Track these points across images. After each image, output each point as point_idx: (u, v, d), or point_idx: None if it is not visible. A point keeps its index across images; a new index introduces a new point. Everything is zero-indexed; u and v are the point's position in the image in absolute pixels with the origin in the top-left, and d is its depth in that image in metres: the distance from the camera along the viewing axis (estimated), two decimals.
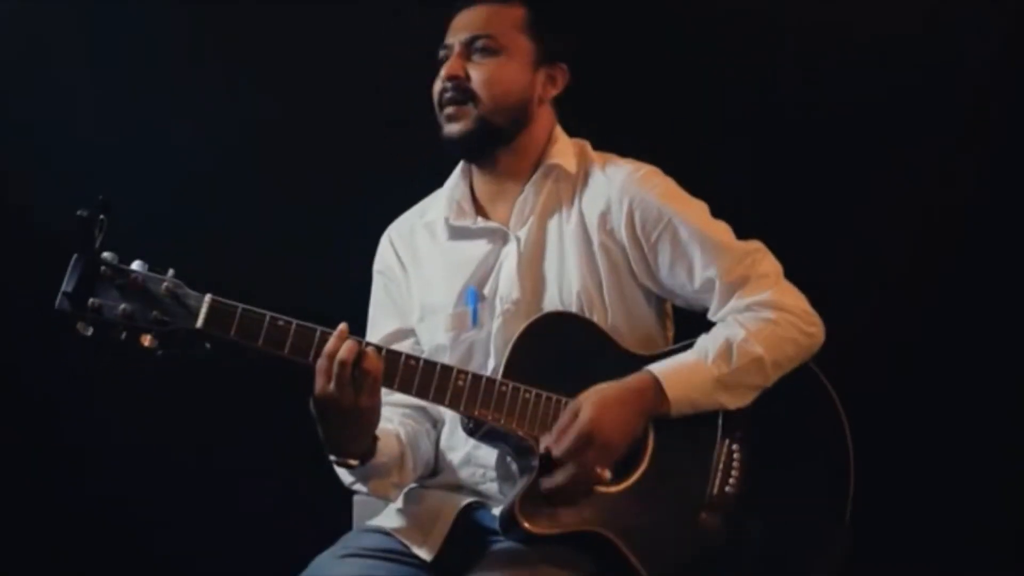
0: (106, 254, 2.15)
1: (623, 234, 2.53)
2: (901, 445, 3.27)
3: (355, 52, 3.40)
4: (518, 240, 2.58)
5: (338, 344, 2.21)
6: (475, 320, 2.56)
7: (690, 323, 2.61)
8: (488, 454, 2.52)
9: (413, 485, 2.59)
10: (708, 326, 2.53)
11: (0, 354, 3.41)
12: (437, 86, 2.56)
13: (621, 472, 2.40)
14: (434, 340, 2.59)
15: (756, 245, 2.57)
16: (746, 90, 3.40)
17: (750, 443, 2.46)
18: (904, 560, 3.24)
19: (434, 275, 2.63)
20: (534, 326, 2.44)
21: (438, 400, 2.33)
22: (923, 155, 3.37)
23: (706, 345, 2.46)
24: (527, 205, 2.60)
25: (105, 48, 3.42)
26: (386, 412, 2.50)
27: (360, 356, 2.21)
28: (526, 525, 2.32)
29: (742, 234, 2.57)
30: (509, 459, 2.48)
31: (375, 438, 2.36)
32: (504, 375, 2.38)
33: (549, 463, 2.34)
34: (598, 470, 2.33)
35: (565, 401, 2.38)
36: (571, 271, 2.54)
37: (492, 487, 2.53)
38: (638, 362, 2.46)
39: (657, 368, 2.42)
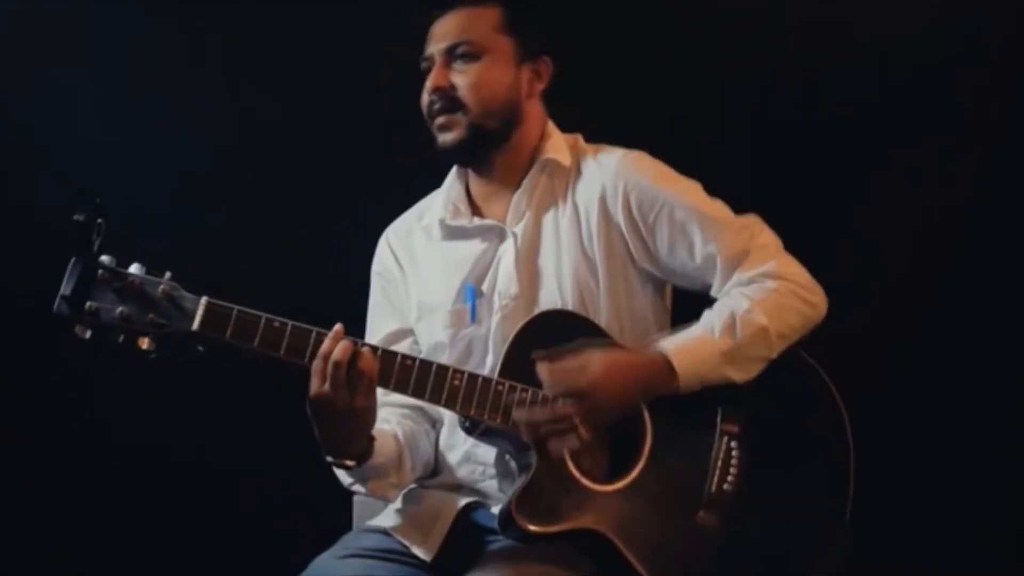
0: (103, 257, 2.17)
1: (620, 218, 2.54)
2: (901, 445, 3.26)
3: (355, 52, 3.40)
4: (515, 236, 2.58)
5: (333, 345, 2.22)
6: (474, 316, 2.57)
7: (689, 319, 2.60)
8: (487, 452, 2.52)
9: (412, 485, 2.59)
10: None
11: (0, 354, 3.41)
12: (424, 99, 2.57)
13: (619, 471, 2.41)
14: (433, 338, 2.60)
15: (753, 219, 2.58)
16: (746, 90, 3.40)
17: (749, 441, 2.46)
18: (904, 560, 3.24)
19: (431, 274, 2.63)
20: (531, 324, 2.44)
21: (434, 400, 2.33)
22: (923, 155, 3.36)
23: (711, 319, 2.46)
24: (523, 201, 2.60)
25: (105, 48, 3.42)
26: (384, 413, 2.51)
27: (355, 356, 2.22)
28: (524, 524, 2.33)
29: None
30: (508, 457, 2.49)
31: (372, 439, 2.37)
32: (501, 374, 2.38)
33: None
34: (580, 428, 2.32)
35: (563, 400, 2.38)
36: (568, 265, 2.55)
37: (491, 485, 2.53)
38: None
39: (666, 345, 2.41)
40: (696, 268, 2.54)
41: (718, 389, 2.44)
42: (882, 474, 2.67)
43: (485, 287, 2.58)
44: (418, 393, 2.32)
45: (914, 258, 3.41)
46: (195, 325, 2.19)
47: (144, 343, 2.17)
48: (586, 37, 3.34)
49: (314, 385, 2.22)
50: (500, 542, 2.43)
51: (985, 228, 3.35)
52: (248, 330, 2.21)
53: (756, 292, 2.48)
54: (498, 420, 2.34)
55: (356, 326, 2.61)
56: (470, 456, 2.55)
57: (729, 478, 2.44)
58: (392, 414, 2.56)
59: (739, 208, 2.60)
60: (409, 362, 2.31)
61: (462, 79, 2.53)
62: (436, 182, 2.72)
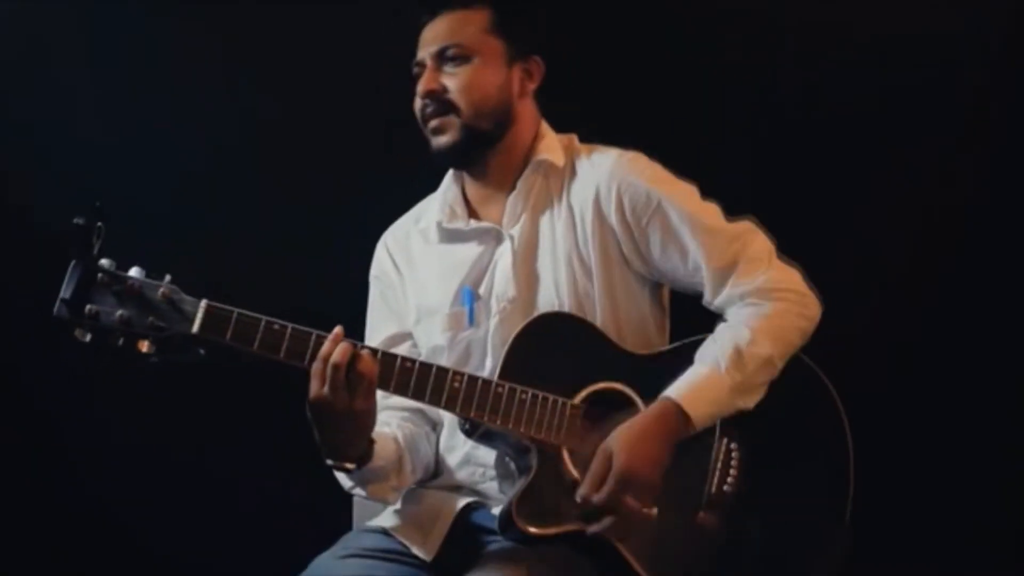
0: (103, 261, 2.17)
1: (614, 220, 2.53)
2: (901, 445, 3.27)
3: (355, 52, 3.40)
4: (512, 238, 2.58)
5: (332, 347, 2.22)
6: (471, 320, 2.56)
7: (687, 319, 2.61)
8: (487, 453, 2.52)
9: (413, 487, 2.59)
10: (703, 320, 2.53)
11: (0, 354, 3.41)
12: (417, 104, 2.57)
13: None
14: (431, 341, 2.59)
15: (746, 226, 2.56)
16: (746, 90, 3.40)
17: (749, 442, 2.45)
18: (904, 560, 3.24)
19: (429, 277, 2.63)
20: (531, 327, 2.44)
21: (434, 402, 2.33)
22: (923, 155, 3.37)
23: (716, 354, 2.44)
24: (519, 203, 2.60)
25: (105, 48, 3.43)
26: (384, 415, 2.51)
27: (355, 359, 2.22)
28: (524, 526, 2.33)
29: None
30: (507, 459, 2.49)
31: (371, 441, 2.36)
32: (501, 376, 2.38)
33: (591, 513, 2.33)
34: (644, 510, 2.33)
35: (562, 402, 2.38)
36: (564, 267, 2.55)
37: (492, 486, 2.53)
38: (635, 361, 2.47)
39: (675, 392, 2.40)
40: (687, 274, 2.54)
41: None
42: (882, 474, 2.67)
43: (482, 290, 2.57)
44: (418, 395, 2.32)
45: (914, 258, 3.41)
46: (195, 328, 2.19)
47: (144, 346, 2.17)
48: (585, 37, 3.35)
49: (314, 387, 2.22)
50: (500, 543, 2.43)
51: (985, 228, 3.36)
52: (248, 333, 2.21)
53: (755, 320, 2.46)
54: (498, 422, 2.34)
55: (356, 326, 2.61)
56: (470, 458, 2.55)
57: (729, 479, 2.43)
58: (392, 417, 2.55)
59: (739, 209, 2.59)
60: (409, 364, 2.30)
61: (453, 81, 2.53)
62: (436, 182, 2.71)
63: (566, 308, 2.52)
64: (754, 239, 2.55)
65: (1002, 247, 3.35)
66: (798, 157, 3.36)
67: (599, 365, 2.44)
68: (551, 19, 2.90)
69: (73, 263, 2.14)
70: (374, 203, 2.83)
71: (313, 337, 2.24)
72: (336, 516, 2.89)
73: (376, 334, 2.65)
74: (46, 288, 2.17)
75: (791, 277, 2.53)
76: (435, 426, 2.63)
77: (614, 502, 2.31)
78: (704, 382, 2.42)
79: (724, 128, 3.39)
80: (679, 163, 2.62)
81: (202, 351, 2.21)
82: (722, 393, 2.41)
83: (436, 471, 2.61)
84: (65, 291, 2.13)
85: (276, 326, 2.23)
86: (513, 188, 2.60)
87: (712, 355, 2.45)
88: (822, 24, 3.35)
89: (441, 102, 2.53)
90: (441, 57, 2.54)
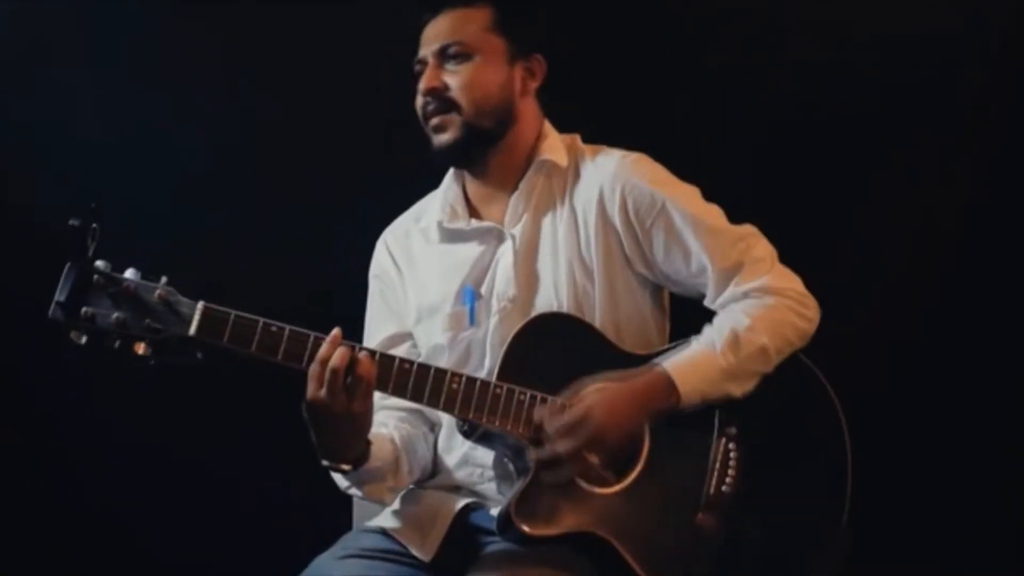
0: (99, 263, 2.16)
1: (617, 221, 2.54)
2: (901, 445, 3.27)
3: (355, 52, 3.40)
4: (513, 238, 2.58)
5: (331, 350, 2.21)
6: (472, 319, 2.56)
7: (687, 320, 2.61)
8: (485, 454, 2.51)
9: (411, 487, 2.59)
10: (703, 321, 2.53)
11: (0, 354, 3.41)
12: (418, 101, 2.57)
13: (617, 473, 2.41)
14: (432, 341, 2.59)
15: (750, 229, 2.57)
16: (746, 90, 3.40)
17: (747, 442, 2.46)
18: (904, 560, 3.24)
19: (430, 277, 2.63)
20: (528, 327, 2.44)
21: (432, 404, 2.33)
22: (923, 155, 3.37)
23: (712, 336, 2.46)
24: (521, 203, 2.60)
25: (105, 48, 3.42)
26: (382, 416, 2.51)
27: (353, 362, 2.21)
28: (523, 526, 2.33)
29: None
30: (506, 459, 2.48)
31: (368, 442, 2.36)
32: (499, 377, 2.37)
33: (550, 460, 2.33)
34: (590, 459, 2.34)
35: (561, 403, 2.37)
36: (564, 267, 2.55)
37: (490, 487, 2.53)
38: (634, 362, 2.47)
39: (667, 362, 2.42)
40: (690, 276, 2.54)
41: None
42: (882, 474, 2.68)
43: (483, 289, 2.57)
44: (416, 397, 2.31)
45: (914, 258, 3.41)
46: (192, 330, 2.18)
47: (140, 348, 2.16)
48: (586, 37, 3.35)
49: (311, 390, 2.21)
50: (499, 543, 2.43)
51: (985, 228, 3.36)
52: (245, 335, 2.20)
53: (754, 309, 2.48)
54: (496, 423, 2.34)
55: (355, 327, 2.61)
56: (468, 459, 2.55)
57: (727, 479, 2.44)
58: (389, 417, 2.55)
59: (739, 209, 2.59)
60: (407, 366, 2.30)
61: (455, 79, 2.53)
62: (436, 182, 2.71)
63: (564, 309, 2.52)
64: (757, 242, 2.56)
65: (1002, 247, 3.35)
66: (798, 157, 3.36)
67: (596, 365, 2.43)
68: (552, 19, 2.91)
69: (68, 265, 2.13)
70: (374, 203, 2.83)
71: (311, 339, 2.23)
72: (336, 516, 2.89)
73: (375, 334, 2.65)
74: (46, 288, 2.16)
75: (794, 281, 2.55)
76: (433, 426, 2.63)
77: (574, 455, 2.32)
78: (697, 358, 2.43)
79: (724, 128, 3.39)
80: (679, 163, 2.62)
81: (199, 354, 2.20)
82: (713, 372, 2.41)
83: (434, 471, 2.61)
84: (60, 293, 2.12)
85: (274, 328, 2.22)
86: (515, 188, 2.60)
87: (709, 336, 2.46)
88: (822, 24, 3.34)
89: (442, 100, 2.53)
90: (442, 55, 2.54)
